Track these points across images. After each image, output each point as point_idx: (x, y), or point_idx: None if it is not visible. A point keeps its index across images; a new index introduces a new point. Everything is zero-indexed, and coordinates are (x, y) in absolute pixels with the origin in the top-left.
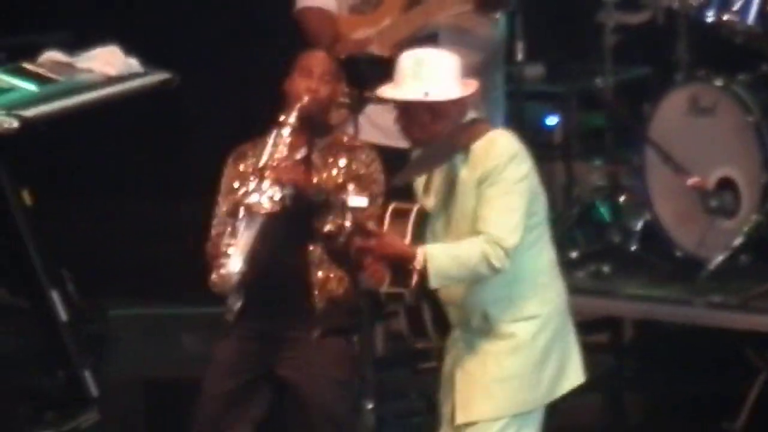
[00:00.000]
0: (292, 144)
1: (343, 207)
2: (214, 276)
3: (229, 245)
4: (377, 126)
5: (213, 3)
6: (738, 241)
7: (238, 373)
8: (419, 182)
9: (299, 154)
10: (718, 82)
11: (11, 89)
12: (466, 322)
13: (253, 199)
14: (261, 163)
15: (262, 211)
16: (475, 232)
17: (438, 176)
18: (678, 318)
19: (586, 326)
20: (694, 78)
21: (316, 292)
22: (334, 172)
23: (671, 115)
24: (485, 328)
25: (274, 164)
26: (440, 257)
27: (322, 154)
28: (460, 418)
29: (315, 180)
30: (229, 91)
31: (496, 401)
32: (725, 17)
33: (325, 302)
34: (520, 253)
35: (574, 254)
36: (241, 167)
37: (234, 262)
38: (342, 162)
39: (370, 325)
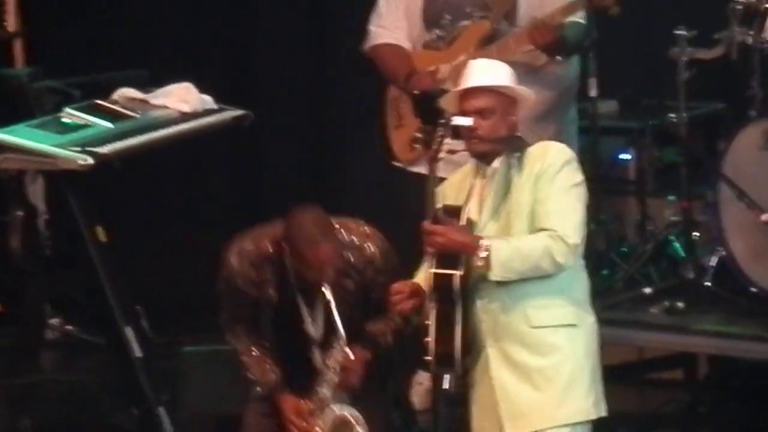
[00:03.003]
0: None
1: (449, 125)
2: None
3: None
4: (451, 161)
5: (288, 42)
6: None
7: None
8: (455, 190)
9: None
10: None
11: (86, 126)
12: (503, 329)
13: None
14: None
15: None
16: (534, 230)
17: (486, 185)
18: (753, 354)
19: (660, 362)
20: None
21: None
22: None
23: (745, 150)
24: (525, 336)
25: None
26: (504, 249)
27: (334, 288)
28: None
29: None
30: (304, 128)
31: (554, 411)
32: None
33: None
34: None
35: (648, 290)
36: (254, 292)
37: None
38: (350, 284)
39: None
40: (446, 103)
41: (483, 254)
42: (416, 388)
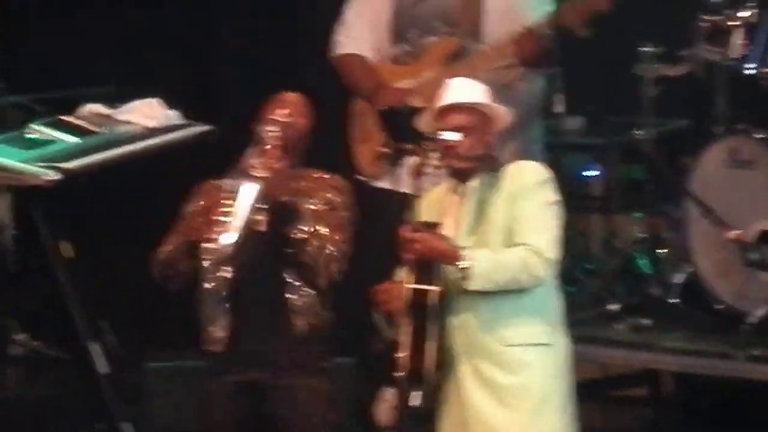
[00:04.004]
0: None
1: (437, 139)
2: (207, 245)
3: (225, 214)
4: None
5: (255, 56)
6: None
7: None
8: (431, 209)
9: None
10: (758, 135)
11: (52, 141)
12: (477, 346)
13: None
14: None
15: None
16: (511, 246)
17: (462, 204)
18: (718, 371)
19: (625, 379)
20: (733, 131)
21: (298, 321)
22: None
23: (711, 167)
24: (498, 354)
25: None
26: (484, 259)
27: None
28: None
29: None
30: None
31: (524, 430)
32: (765, 69)
33: (307, 328)
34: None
35: (613, 307)
36: (203, 202)
37: (230, 233)
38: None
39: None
40: (423, 119)
41: (464, 264)
42: (381, 406)
